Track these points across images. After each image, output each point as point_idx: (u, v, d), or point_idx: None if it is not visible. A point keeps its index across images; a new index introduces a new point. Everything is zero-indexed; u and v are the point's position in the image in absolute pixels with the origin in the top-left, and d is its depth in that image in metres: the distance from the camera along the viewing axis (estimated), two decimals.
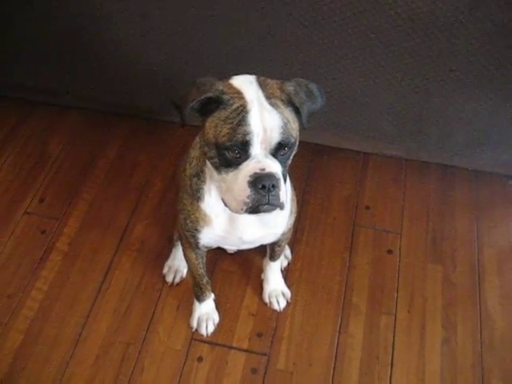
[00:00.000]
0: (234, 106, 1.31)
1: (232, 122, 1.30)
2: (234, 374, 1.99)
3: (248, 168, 1.33)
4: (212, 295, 2.08)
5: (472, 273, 2.27)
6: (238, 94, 1.32)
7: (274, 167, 1.34)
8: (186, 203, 1.64)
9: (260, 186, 1.32)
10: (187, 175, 1.62)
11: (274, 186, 1.33)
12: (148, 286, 2.19)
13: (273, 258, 2.02)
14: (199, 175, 1.56)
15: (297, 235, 2.32)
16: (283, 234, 1.79)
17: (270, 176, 1.32)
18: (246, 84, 1.35)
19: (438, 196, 2.50)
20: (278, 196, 1.35)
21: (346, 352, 2.04)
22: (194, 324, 2.07)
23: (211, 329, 2.06)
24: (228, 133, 1.30)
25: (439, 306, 2.17)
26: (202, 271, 1.93)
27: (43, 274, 2.23)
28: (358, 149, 2.60)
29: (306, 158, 2.59)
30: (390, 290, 2.20)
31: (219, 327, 2.09)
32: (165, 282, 2.19)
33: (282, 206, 1.39)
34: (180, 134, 2.66)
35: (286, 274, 2.21)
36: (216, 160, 1.37)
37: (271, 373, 1.98)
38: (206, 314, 2.06)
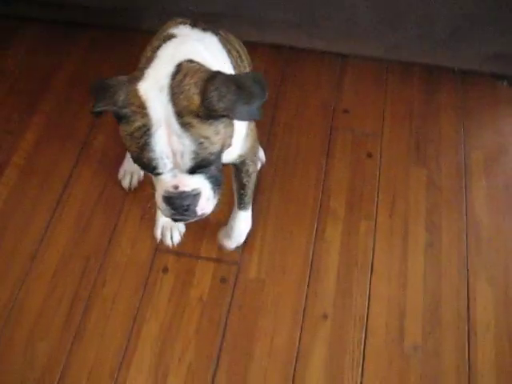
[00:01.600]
0: (137, 125, 1.13)
1: (138, 143, 1.13)
2: (201, 285, 1.86)
3: (163, 183, 1.20)
4: None
5: (458, 176, 2.12)
6: (142, 109, 1.12)
7: (191, 184, 1.20)
8: None
9: (172, 207, 1.22)
10: None
11: (188, 206, 1.22)
12: (110, 197, 2.05)
13: (241, 202, 1.77)
14: None
15: (270, 139, 2.16)
16: (241, 156, 1.56)
17: (183, 196, 1.20)
18: (153, 93, 1.13)
19: (421, 98, 2.34)
20: (194, 212, 1.24)
21: (323, 258, 1.92)
22: (158, 234, 1.93)
23: (177, 239, 1.93)
24: (135, 152, 1.16)
25: (423, 210, 2.03)
26: None
27: None
28: (334, 50, 2.40)
29: (279, 64, 2.42)
30: (370, 195, 2.06)
31: (185, 237, 1.96)
32: (127, 192, 2.04)
33: (203, 216, 1.29)
34: (144, 43, 2.46)
35: (259, 180, 2.04)
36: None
37: (242, 282, 1.86)
38: (171, 222, 1.90)
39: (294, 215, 1.99)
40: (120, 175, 2.05)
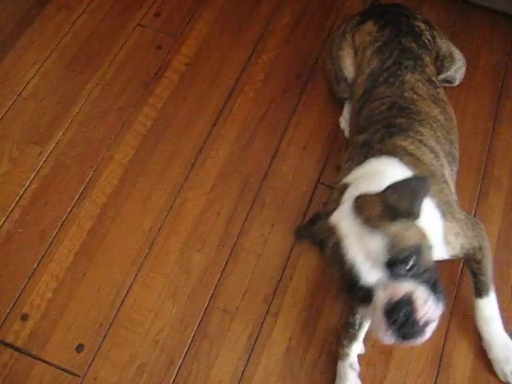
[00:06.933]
0: (329, 245, 1.25)
1: (336, 262, 1.22)
2: None
3: (377, 302, 1.18)
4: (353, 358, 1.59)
5: None
6: (332, 231, 1.25)
7: (401, 289, 1.16)
8: None
9: (392, 321, 1.16)
10: None
11: (407, 316, 1.16)
12: (273, 120, 1.99)
13: (476, 288, 1.59)
14: None
15: None
16: (457, 253, 1.51)
17: (399, 306, 1.16)
18: (341, 217, 1.25)
19: None
20: (415, 322, 1.17)
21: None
22: None
23: None
24: (340, 274, 1.22)
25: None
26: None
27: (157, 92, 2.04)
28: (508, 11, 2.28)
29: (449, 18, 2.29)
30: None
31: None
32: (291, 119, 1.98)
33: (430, 329, 1.21)
34: None
35: None
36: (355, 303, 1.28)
37: None
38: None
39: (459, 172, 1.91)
40: (342, 125, 1.96)
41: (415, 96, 1.63)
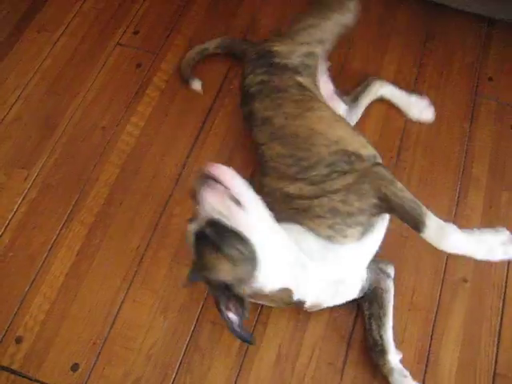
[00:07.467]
0: None
1: None
2: None
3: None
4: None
5: None
6: None
7: None
8: None
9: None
10: None
11: None
12: None
13: (413, 228, 1.50)
14: None
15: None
16: None
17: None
18: None
19: None
20: None
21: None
22: None
23: None
24: None
25: None
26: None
27: (139, 110, 2.07)
28: (481, 12, 2.31)
29: (424, 20, 2.33)
30: None
31: None
32: None
33: None
34: None
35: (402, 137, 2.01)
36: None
37: None
38: None
39: (438, 174, 1.95)
40: None
41: (263, 147, 1.70)
